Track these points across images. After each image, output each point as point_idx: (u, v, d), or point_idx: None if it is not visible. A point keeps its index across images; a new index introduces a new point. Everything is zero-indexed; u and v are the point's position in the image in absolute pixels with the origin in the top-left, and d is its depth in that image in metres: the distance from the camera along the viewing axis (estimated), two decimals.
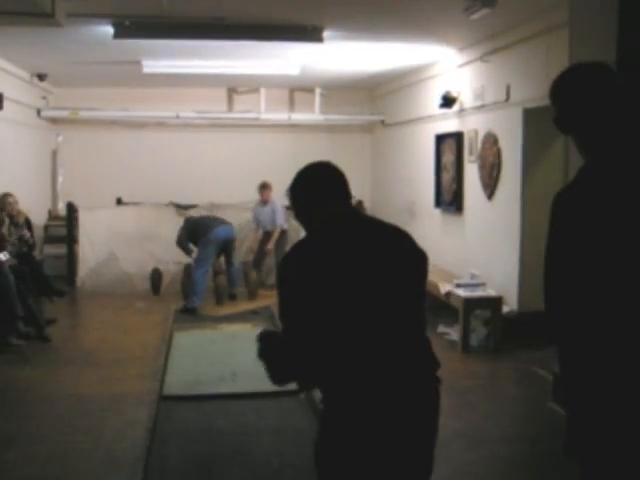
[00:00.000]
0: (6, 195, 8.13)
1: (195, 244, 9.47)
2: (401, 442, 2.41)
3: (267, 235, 10.28)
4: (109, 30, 6.80)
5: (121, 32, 6.73)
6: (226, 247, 9.54)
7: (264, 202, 10.22)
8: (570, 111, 2.32)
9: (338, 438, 2.44)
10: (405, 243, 2.58)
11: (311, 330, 2.42)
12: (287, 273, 2.50)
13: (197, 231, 9.45)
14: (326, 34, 7.19)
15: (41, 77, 10.36)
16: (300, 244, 2.57)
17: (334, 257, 2.46)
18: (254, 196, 11.26)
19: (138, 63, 9.04)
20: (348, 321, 2.40)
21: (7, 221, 7.89)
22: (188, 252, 9.52)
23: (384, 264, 2.47)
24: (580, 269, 2.15)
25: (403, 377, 2.42)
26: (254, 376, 6.54)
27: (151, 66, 9.21)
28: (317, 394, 2.51)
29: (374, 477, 2.42)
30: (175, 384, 6.22)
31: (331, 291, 2.41)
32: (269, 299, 9.43)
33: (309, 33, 7.08)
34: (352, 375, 2.41)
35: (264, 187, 10.22)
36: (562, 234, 2.20)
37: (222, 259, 9.78)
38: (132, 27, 6.58)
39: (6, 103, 8.75)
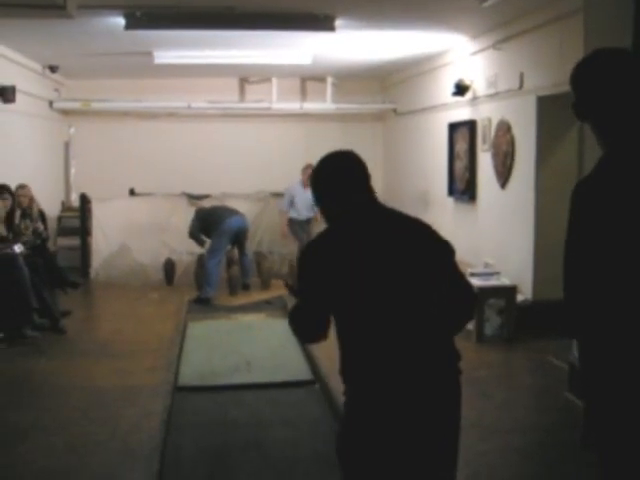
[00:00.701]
0: (19, 187, 8.15)
1: (208, 235, 9.47)
2: (422, 433, 2.42)
3: (308, 222, 10.26)
4: (120, 21, 6.79)
5: (132, 23, 6.72)
6: (239, 237, 9.54)
7: (306, 185, 9.67)
8: (589, 97, 2.28)
9: (359, 429, 2.47)
10: (425, 235, 2.56)
11: (324, 308, 2.51)
12: (304, 264, 2.53)
13: (209, 222, 9.44)
14: (338, 23, 7.15)
15: (53, 69, 10.36)
16: (320, 235, 2.60)
17: (351, 249, 2.46)
18: (266, 186, 11.28)
19: (149, 54, 9.03)
20: (363, 312, 2.42)
21: (19, 212, 7.91)
22: (201, 243, 9.53)
23: (402, 256, 2.46)
24: (599, 261, 2.13)
25: (422, 368, 2.42)
26: (268, 366, 6.59)
27: (162, 57, 9.20)
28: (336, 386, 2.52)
29: (396, 468, 2.42)
30: (189, 375, 6.24)
31: (347, 283, 2.43)
32: (282, 289, 9.42)
33: (321, 22, 7.05)
34: (370, 367, 2.43)
35: (310, 168, 9.56)
36: (581, 225, 2.18)
37: (235, 249, 9.78)
38: (143, 18, 6.57)
39: (18, 95, 8.76)
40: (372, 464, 2.44)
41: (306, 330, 2.59)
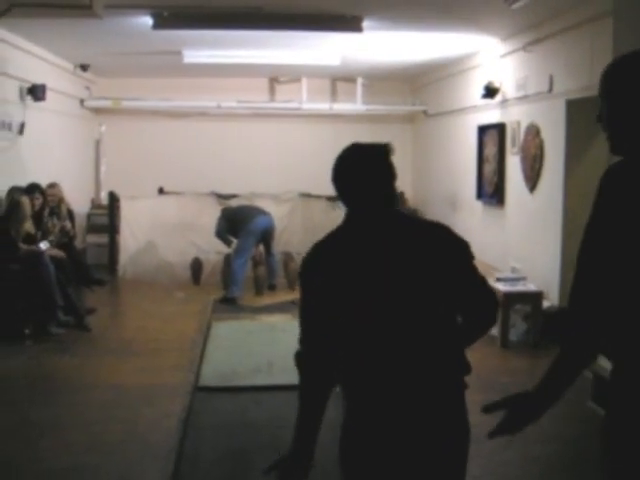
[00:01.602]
0: (49, 186, 8.24)
1: (235, 235, 9.47)
2: (415, 444, 2.35)
3: None
4: (148, 21, 6.83)
5: (160, 23, 6.75)
6: (265, 237, 9.54)
7: None
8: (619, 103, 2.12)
9: (355, 435, 2.43)
10: (440, 239, 2.41)
11: (325, 326, 2.39)
12: (304, 266, 2.45)
13: (236, 222, 9.45)
14: (365, 24, 7.11)
15: (84, 68, 10.46)
16: (327, 235, 2.48)
17: (353, 255, 2.37)
18: (294, 186, 11.25)
19: (179, 53, 9.07)
20: (362, 321, 2.35)
21: (47, 210, 7.99)
22: (228, 243, 9.54)
23: (408, 264, 2.34)
24: (622, 253, 1.99)
25: (420, 381, 2.33)
26: (290, 367, 6.55)
27: (192, 56, 9.23)
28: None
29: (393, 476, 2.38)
30: (211, 375, 6.24)
31: (346, 290, 2.36)
32: None
33: (348, 23, 7.02)
34: (364, 373, 2.37)
35: None
36: (607, 212, 2.03)
37: (261, 249, 9.77)
38: (170, 18, 6.60)
39: (50, 94, 8.85)
40: (368, 474, 2.40)
41: (310, 357, 2.46)
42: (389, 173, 2.44)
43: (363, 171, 2.41)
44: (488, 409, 2.17)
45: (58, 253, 7.58)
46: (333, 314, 2.38)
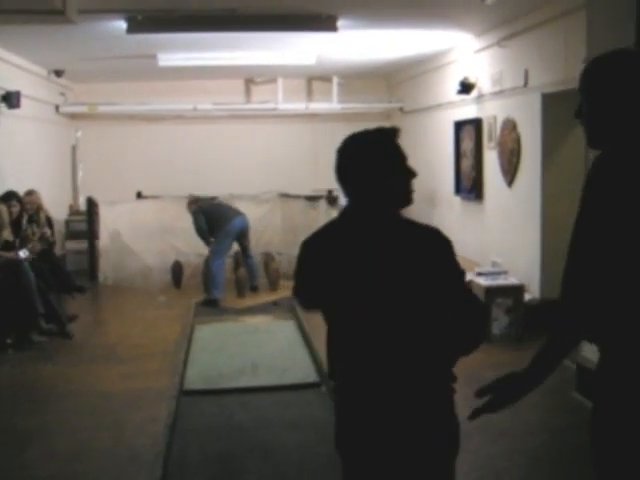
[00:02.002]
0: (26, 193, 8.18)
1: (211, 234, 9.42)
2: (404, 437, 2.38)
3: None
4: (122, 25, 6.79)
5: (134, 27, 6.72)
6: (240, 238, 9.51)
7: None
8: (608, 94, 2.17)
9: (345, 428, 2.47)
10: (434, 250, 2.39)
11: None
12: (303, 247, 2.50)
13: (213, 220, 9.38)
14: (340, 23, 7.12)
15: (58, 73, 10.38)
16: (327, 224, 2.51)
17: (347, 245, 2.39)
18: (273, 186, 11.24)
19: (154, 57, 9.03)
20: (352, 309, 2.39)
21: (25, 218, 7.93)
22: (208, 241, 9.47)
23: (401, 260, 2.34)
24: (614, 239, 2.04)
25: (409, 372, 2.35)
26: (275, 369, 6.57)
27: (167, 59, 9.20)
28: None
29: (386, 464, 2.41)
30: (196, 378, 6.22)
31: (338, 276, 2.39)
32: (290, 290, 9.40)
33: (323, 22, 7.02)
34: (356, 365, 2.40)
35: None
36: (598, 204, 2.07)
37: (237, 253, 9.72)
38: (145, 21, 6.57)
39: (24, 100, 8.77)
40: (363, 459, 2.44)
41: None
42: (397, 157, 2.44)
43: (365, 164, 2.38)
44: (481, 393, 2.19)
45: (34, 252, 7.51)
46: (325, 299, 2.44)
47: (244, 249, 9.63)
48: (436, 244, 2.40)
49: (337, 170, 2.43)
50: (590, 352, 4.34)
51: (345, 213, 2.48)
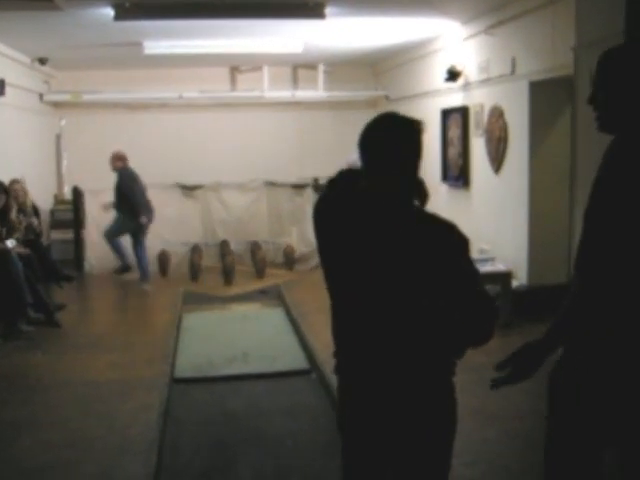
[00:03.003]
0: (13, 182, 8.11)
1: (130, 210, 9.43)
2: (400, 418, 2.40)
3: None
4: (109, 12, 6.73)
5: (121, 14, 6.66)
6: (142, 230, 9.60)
7: None
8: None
9: (345, 408, 2.54)
10: (438, 240, 2.35)
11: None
12: (316, 207, 2.56)
13: (141, 197, 9.53)
14: (328, 10, 7.08)
15: (42, 61, 10.26)
16: (341, 190, 2.51)
17: (348, 224, 2.42)
18: (259, 174, 11.24)
19: (139, 44, 8.96)
20: (342, 289, 2.46)
21: (15, 207, 7.87)
22: (138, 215, 9.46)
23: (400, 247, 2.32)
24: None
25: (402, 357, 2.37)
26: (265, 356, 6.59)
27: (152, 47, 9.12)
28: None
29: (382, 444, 2.46)
30: (186, 367, 6.24)
31: (337, 248, 2.45)
32: (278, 278, 9.41)
33: (311, 9, 6.98)
34: (353, 347, 2.46)
35: None
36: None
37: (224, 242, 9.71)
38: (132, 8, 6.51)
39: (8, 88, 8.69)
40: (361, 439, 2.49)
41: None
42: (402, 154, 2.46)
43: (379, 142, 2.42)
44: (501, 366, 2.38)
45: (24, 251, 7.49)
46: (325, 268, 2.51)
47: (137, 240, 9.66)
48: (448, 243, 2.35)
49: (370, 140, 2.44)
50: None
51: (365, 189, 2.43)
